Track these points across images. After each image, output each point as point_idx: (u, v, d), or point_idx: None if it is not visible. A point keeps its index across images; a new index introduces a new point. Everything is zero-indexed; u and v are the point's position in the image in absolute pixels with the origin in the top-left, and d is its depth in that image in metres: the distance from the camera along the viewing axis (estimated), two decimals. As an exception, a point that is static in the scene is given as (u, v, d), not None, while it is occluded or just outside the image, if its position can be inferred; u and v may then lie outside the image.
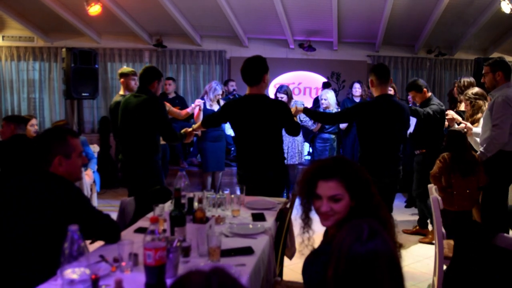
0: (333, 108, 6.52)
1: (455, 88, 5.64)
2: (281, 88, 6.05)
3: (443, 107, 4.87)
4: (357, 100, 7.09)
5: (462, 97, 5.01)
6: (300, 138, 6.36)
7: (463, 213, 3.97)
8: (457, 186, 3.95)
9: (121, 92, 5.09)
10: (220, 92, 6.17)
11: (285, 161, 6.26)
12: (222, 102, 6.39)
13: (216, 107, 6.11)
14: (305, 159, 7.28)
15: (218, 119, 4.06)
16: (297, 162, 6.44)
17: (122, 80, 5.10)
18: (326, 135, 6.60)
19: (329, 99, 6.53)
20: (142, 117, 4.05)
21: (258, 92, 3.78)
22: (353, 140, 6.91)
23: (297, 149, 6.39)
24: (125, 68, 5.31)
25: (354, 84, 7.19)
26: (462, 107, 5.14)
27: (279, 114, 3.74)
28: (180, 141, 4.34)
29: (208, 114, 4.69)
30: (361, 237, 1.30)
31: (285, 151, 6.24)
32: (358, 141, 4.17)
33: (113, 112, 4.81)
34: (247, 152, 3.79)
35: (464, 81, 5.27)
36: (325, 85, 7.71)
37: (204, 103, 6.00)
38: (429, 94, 4.96)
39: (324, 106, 6.52)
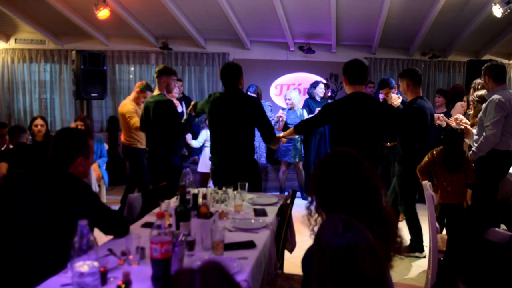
0: (298, 108, 6.47)
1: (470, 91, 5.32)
2: (252, 88, 6.20)
3: None
4: (320, 100, 6.80)
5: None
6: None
7: (448, 205, 3.96)
8: (442, 180, 3.96)
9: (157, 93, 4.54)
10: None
11: None
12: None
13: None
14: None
15: (319, 121, 3.98)
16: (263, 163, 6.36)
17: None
18: None
19: (293, 98, 6.45)
20: (245, 117, 3.80)
21: (362, 90, 3.80)
22: (318, 138, 6.72)
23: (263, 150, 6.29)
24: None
25: (319, 84, 6.85)
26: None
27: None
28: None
29: (305, 120, 4.31)
30: (338, 231, 1.30)
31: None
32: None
33: None
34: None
35: (478, 83, 4.82)
36: (325, 86, 7.67)
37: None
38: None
39: (289, 106, 6.45)
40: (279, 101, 8.38)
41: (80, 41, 8.29)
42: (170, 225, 2.46)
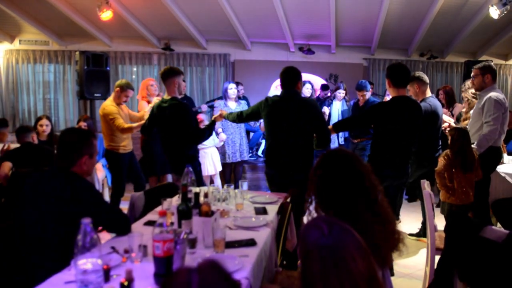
0: None
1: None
2: (228, 83, 6.14)
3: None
4: None
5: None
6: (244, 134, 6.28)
7: (464, 206, 3.86)
8: (458, 181, 3.84)
9: None
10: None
11: (235, 158, 6.18)
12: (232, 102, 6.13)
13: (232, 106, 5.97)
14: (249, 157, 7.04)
15: (362, 122, 3.99)
16: (246, 159, 6.35)
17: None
18: None
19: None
20: (302, 119, 3.69)
21: (405, 94, 3.81)
22: None
23: (244, 147, 6.26)
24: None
25: (306, 84, 6.52)
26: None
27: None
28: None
29: (345, 119, 4.26)
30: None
31: (237, 148, 6.16)
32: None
33: None
34: None
35: (468, 84, 4.91)
36: (324, 87, 7.66)
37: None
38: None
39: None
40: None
41: (83, 42, 8.31)
42: (172, 223, 2.46)
